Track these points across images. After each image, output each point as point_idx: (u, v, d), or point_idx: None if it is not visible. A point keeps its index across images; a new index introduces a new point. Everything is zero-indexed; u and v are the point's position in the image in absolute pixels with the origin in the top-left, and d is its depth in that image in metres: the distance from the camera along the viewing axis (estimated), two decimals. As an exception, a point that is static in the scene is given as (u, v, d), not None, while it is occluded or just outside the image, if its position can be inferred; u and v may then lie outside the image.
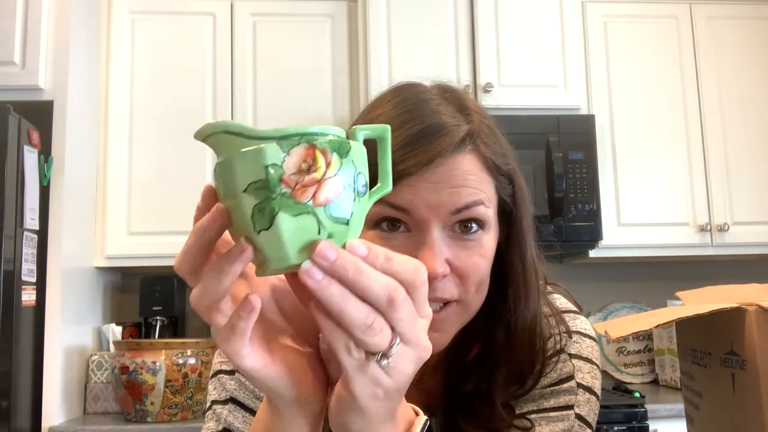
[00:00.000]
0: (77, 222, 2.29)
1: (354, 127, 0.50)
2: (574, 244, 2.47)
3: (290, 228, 0.44)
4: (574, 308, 0.80)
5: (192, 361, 2.12)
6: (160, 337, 2.43)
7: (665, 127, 2.61)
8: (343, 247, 0.46)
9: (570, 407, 0.72)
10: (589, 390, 0.74)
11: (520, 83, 2.52)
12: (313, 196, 0.44)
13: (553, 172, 2.38)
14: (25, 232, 2.02)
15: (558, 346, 0.75)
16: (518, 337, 0.72)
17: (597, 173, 2.47)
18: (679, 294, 0.75)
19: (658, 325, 0.58)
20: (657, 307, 0.70)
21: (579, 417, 0.72)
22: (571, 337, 0.76)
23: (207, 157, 2.47)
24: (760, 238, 2.59)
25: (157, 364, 2.08)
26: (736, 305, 0.57)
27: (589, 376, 0.74)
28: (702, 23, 2.69)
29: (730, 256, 2.67)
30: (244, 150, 0.44)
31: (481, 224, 0.67)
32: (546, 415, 0.71)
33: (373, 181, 0.51)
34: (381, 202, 0.62)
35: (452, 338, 0.73)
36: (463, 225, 0.66)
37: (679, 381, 0.88)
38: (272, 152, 0.44)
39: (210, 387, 0.78)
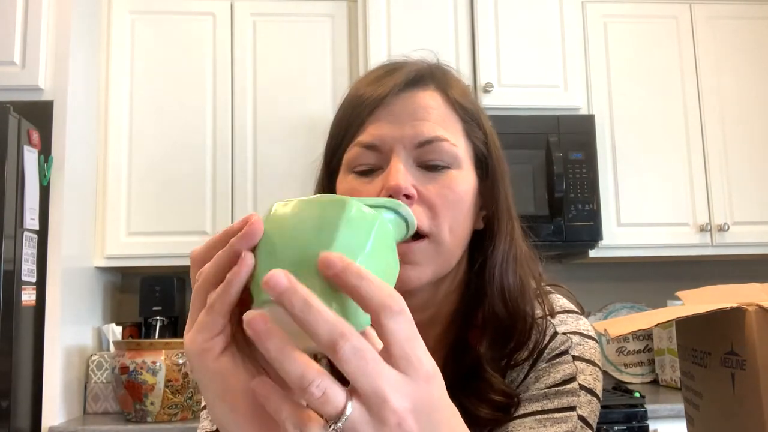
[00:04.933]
0: (77, 222, 2.29)
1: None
2: (574, 244, 2.47)
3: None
4: (575, 308, 0.81)
5: (192, 361, 2.11)
6: (160, 337, 2.43)
7: (665, 127, 2.61)
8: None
9: (572, 408, 0.73)
10: (590, 392, 0.74)
11: (520, 83, 2.52)
12: None
13: (553, 172, 2.38)
14: (25, 232, 2.02)
15: (547, 326, 0.75)
16: (502, 294, 0.73)
17: (597, 173, 2.47)
18: (679, 294, 0.75)
19: (658, 324, 0.58)
20: (657, 307, 0.70)
21: (581, 418, 0.73)
22: (553, 317, 0.77)
23: (207, 158, 2.46)
24: (760, 238, 2.59)
25: (157, 364, 2.08)
26: (736, 305, 0.57)
27: (591, 378, 0.75)
28: (702, 23, 2.69)
29: (730, 256, 2.67)
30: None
31: (449, 162, 0.69)
32: (550, 416, 0.72)
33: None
34: (355, 144, 0.70)
35: (446, 321, 0.75)
36: (429, 163, 0.68)
37: (679, 381, 0.88)
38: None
39: None
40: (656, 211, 2.56)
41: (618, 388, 2.41)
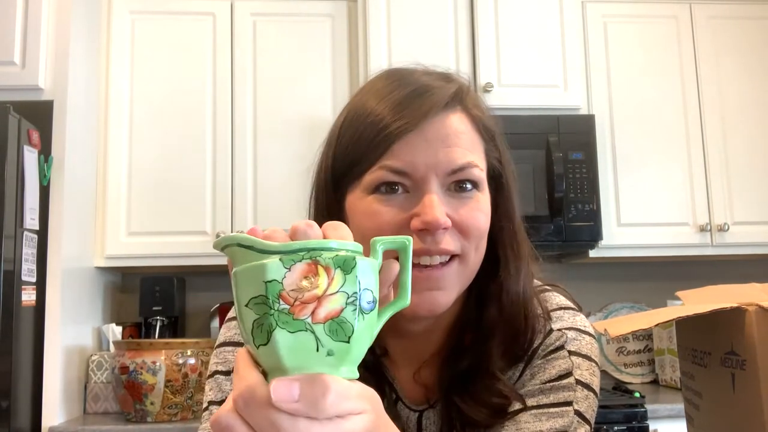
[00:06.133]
0: (77, 222, 2.29)
1: (374, 239, 0.51)
2: (574, 244, 2.47)
3: (287, 345, 0.44)
4: (572, 305, 0.81)
5: (192, 361, 2.12)
6: (160, 337, 2.43)
7: (665, 127, 2.61)
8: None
9: (569, 403, 0.73)
10: (587, 387, 0.74)
11: (520, 83, 2.52)
12: (312, 312, 0.44)
13: (553, 172, 2.38)
14: (25, 232, 2.02)
15: (545, 324, 0.76)
16: (510, 302, 0.74)
17: (597, 173, 2.47)
18: (679, 294, 0.75)
19: (658, 324, 0.59)
20: (657, 307, 0.70)
21: (578, 413, 0.73)
22: (550, 319, 0.77)
23: (207, 158, 2.46)
24: (760, 238, 2.59)
25: (157, 364, 2.08)
26: (736, 305, 0.57)
27: (587, 373, 0.75)
28: (702, 23, 2.69)
29: (730, 256, 2.67)
30: (247, 265, 0.45)
31: (476, 184, 0.70)
32: (546, 411, 0.72)
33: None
34: (381, 167, 0.68)
35: (447, 327, 0.75)
36: (459, 185, 0.69)
37: (679, 381, 0.88)
38: (274, 268, 0.44)
39: (207, 387, 0.79)
40: (656, 211, 2.56)
41: (618, 388, 2.41)
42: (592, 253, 2.53)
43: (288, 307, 0.44)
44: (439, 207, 0.66)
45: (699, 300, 0.69)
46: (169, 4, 2.56)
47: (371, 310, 0.47)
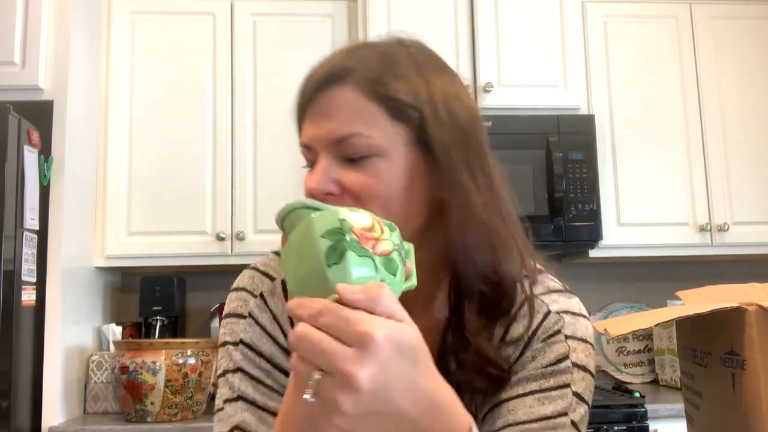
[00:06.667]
0: (77, 222, 2.29)
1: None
2: (574, 244, 2.47)
3: (355, 263, 0.55)
4: (567, 288, 0.83)
5: (192, 361, 2.12)
6: (160, 337, 2.43)
7: (665, 127, 2.61)
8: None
9: (567, 386, 0.76)
10: (583, 369, 0.77)
11: (520, 83, 2.52)
12: (373, 247, 0.57)
13: (553, 172, 2.38)
14: (25, 232, 2.02)
15: (529, 291, 0.78)
16: (469, 258, 0.74)
17: (597, 173, 2.47)
18: (679, 294, 0.75)
19: (658, 324, 0.59)
20: (657, 307, 0.70)
21: (575, 394, 0.76)
22: (546, 295, 0.80)
23: (207, 158, 2.46)
24: (760, 238, 2.58)
25: (157, 364, 2.08)
26: (736, 305, 0.57)
27: (583, 355, 0.78)
28: (702, 23, 2.69)
29: (730, 256, 2.67)
30: (323, 211, 0.58)
31: (371, 152, 0.71)
32: (547, 394, 0.75)
33: None
34: (300, 144, 0.78)
35: (445, 301, 0.78)
36: (350, 156, 0.72)
37: (679, 381, 0.88)
38: (346, 212, 0.58)
39: (219, 356, 0.83)
40: (656, 211, 2.56)
41: (618, 388, 2.40)
42: (592, 253, 2.53)
43: (357, 238, 0.56)
44: (316, 177, 0.72)
45: (699, 300, 0.69)
46: (169, 4, 2.56)
47: (404, 265, 0.59)
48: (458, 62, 2.49)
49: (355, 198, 0.71)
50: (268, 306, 0.81)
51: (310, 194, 0.72)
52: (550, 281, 0.82)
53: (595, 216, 2.44)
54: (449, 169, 0.73)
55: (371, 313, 0.53)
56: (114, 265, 2.46)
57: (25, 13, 2.20)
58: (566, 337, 0.77)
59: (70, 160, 2.22)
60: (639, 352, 2.73)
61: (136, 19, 2.54)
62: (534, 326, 0.77)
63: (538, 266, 0.82)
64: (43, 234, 2.12)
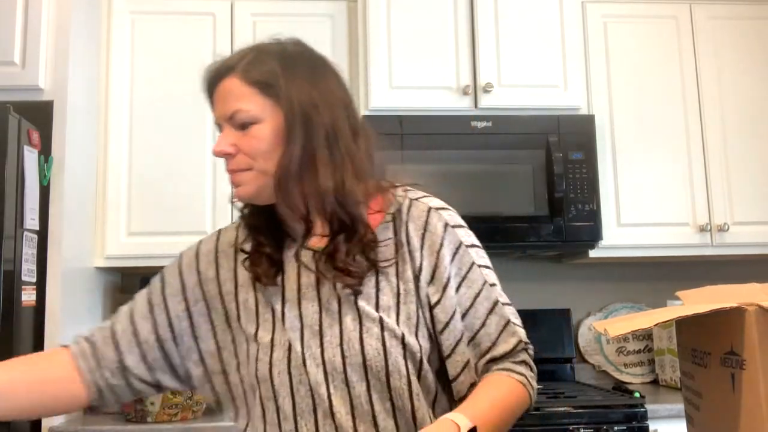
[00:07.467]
0: (77, 222, 2.29)
1: None
2: (574, 244, 2.47)
3: None
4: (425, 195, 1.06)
5: (192, 361, 2.11)
6: (160, 337, 2.43)
7: (665, 127, 2.61)
8: None
9: (473, 263, 0.99)
10: (473, 246, 1.01)
11: (520, 83, 2.52)
12: None
13: (553, 172, 2.38)
14: (25, 232, 2.02)
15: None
16: (315, 188, 0.97)
17: (597, 173, 2.47)
18: (679, 294, 0.75)
19: (658, 324, 0.59)
20: (657, 307, 0.70)
21: (480, 266, 1.00)
22: (403, 193, 1.05)
23: (207, 157, 2.47)
24: (760, 238, 2.59)
25: (157, 364, 2.07)
26: (736, 305, 0.57)
27: (467, 236, 1.02)
28: (702, 23, 2.69)
29: (730, 256, 2.67)
30: None
31: (252, 121, 0.97)
32: (468, 278, 0.99)
33: None
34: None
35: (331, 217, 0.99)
36: (238, 125, 0.98)
37: (679, 381, 0.88)
38: None
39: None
40: (656, 211, 2.56)
41: (618, 388, 2.41)
42: (592, 253, 2.53)
43: None
44: (219, 142, 0.99)
45: (699, 300, 0.69)
46: (169, 4, 2.56)
47: None
48: (458, 62, 2.49)
49: (247, 153, 0.97)
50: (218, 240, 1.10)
51: (216, 155, 0.99)
52: (413, 192, 1.05)
53: (595, 216, 2.44)
54: (291, 122, 0.97)
55: None
56: (114, 266, 2.46)
57: (25, 13, 2.19)
58: (452, 227, 1.00)
59: (70, 160, 2.22)
60: (639, 352, 2.73)
61: (136, 19, 2.54)
62: (404, 215, 1.00)
63: (404, 186, 1.05)
64: (43, 234, 2.12)
